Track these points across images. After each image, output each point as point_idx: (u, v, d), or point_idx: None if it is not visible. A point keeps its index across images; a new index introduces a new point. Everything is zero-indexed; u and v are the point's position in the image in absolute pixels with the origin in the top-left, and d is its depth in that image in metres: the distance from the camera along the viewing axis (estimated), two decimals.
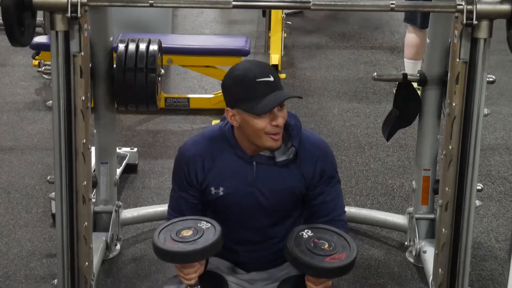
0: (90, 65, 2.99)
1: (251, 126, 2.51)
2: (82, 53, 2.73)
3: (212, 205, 2.68)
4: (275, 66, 5.90)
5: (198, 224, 2.55)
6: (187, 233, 2.52)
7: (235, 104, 2.51)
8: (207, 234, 2.51)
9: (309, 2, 2.67)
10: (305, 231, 2.54)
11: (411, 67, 5.38)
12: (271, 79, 2.48)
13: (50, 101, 2.80)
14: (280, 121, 2.49)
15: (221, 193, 2.64)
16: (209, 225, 2.55)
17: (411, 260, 3.75)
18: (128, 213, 3.93)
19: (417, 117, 3.62)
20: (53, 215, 3.87)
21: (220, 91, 5.72)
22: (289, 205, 2.67)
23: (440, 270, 2.89)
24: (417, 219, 3.67)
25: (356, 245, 2.52)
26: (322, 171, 2.63)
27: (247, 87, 2.48)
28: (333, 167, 2.68)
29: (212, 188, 2.64)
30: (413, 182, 3.73)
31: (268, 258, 2.75)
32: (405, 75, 3.53)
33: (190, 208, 2.67)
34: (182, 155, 2.68)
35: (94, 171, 3.64)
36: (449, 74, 2.77)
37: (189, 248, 2.46)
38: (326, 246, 2.49)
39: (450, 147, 2.76)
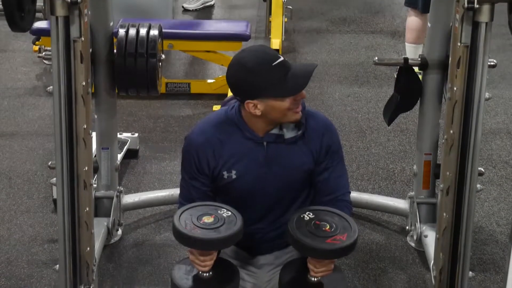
0: (91, 50, 2.98)
1: (277, 109, 2.54)
2: (83, 38, 2.72)
3: (223, 189, 2.69)
4: (276, 50, 5.90)
5: (219, 211, 2.55)
6: (208, 219, 2.51)
7: (256, 94, 2.52)
8: (228, 223, 2.51)
9: None
10: (307, 213, 2.55)
11: (412, 51, 5.37)
12: (282, 58, 2.53)
13: (51, 87, 2.79)
14: (304, 93, 2.55)
15: (234, 176, 2.64)
16: (230, 213, 2.55)
17: (412, 244, 3.76)
18: (129, 198, 3.93)
19: (418, 101, 3.62)
20: (55, 201, 3.87)
21: (221, 75, 5.74)
22: (298, 183, 2.68)
23: (441, 254, 2.90)
24: (418, 203, 3.67)
25: (357, 226, 2.52)
26: (328, 146, 2.66)
27: (267, 74, 2.49)
28: (338, 142, 2.72)
29: (225, 173, 2.64)
30: (414, 167, 3.73)
31: (275, 239, 2.76)
32: (406, 59, 3.53)
33: (202, 196, 2.66)
34: (191, 144, 2.67)
35: (95, 156, 3.65)
36: (450, 58, 2.77)
37: (212, 236, 2.46)
38: (327, 227, 2.49)
39: (451, 131, 2.76)
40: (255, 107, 2.54)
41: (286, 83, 2.50)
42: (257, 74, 2.50)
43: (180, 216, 2.52)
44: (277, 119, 2.58)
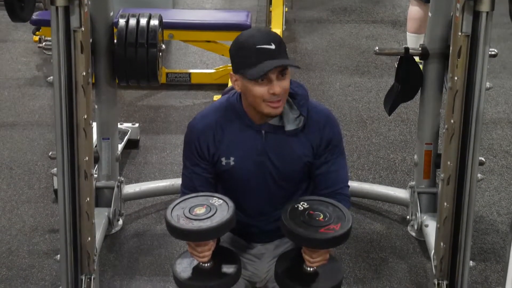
0: (91, 40, 2.98)
1: (249, 92, 2.52)
2: (83, 29, 2.72)
3: (223, 176, 2.69)
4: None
5: (210, 201, 2.54)
6: (200, 210, 2.50)
7: (236, 69, 2.54)
8: (220, 211, 2.49)
9: None
10: (301, 203, 2.55)
11: (413, 41, 5.36)
12: (272, 47, 2.48)
13: (51, 77, 2.79)
14: (277, 89, 2.49)
15: (232, 163, 2.64)
16: (221, 201, 2.54)
17: (413, 234, 3.77)
18: (130, 189, 3.94)
19: (419, 91, 3.61)
20: (55, 191, 3.88)
21: (221, 65, 5.74)
22: (297, 175, 2.68)
23: (441, 243, 2.90)
24: (419, 193, 3.67)
25: (351, 216, 2.51)
26: (329, 139, 2.64)
27: (247, 53, 2.49)
28: (339, 136, 2.70)
29: (223, 159, 2.64)
30: (415, 156, 3.73)
31: (275, 230, 2.76)
32: (407, 49, 3.52)
33: (203, 183, 2.66)
34: (192, 130, 2.68)
35: (96, 146, 3.65)
36: (451, 48, 2.76)
37: (204, 226, 2.44)
38: (321, 217, 2.49)
39: (452, 121, 2.76)
40: (236, 82, 2.55)
41: (255, 68, 2.47)
42: (240, 50, 2.52)
43: (172, 210, 2.52)
44: (254, 104, 2.56)
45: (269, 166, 2.64)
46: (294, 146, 2.63)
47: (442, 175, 2.86)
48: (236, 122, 2.63)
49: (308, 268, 2.53)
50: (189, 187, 2.67)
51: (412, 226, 3.75)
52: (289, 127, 2.61)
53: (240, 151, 2.63)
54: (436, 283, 2.95)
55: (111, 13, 3.53)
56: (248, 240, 2.81)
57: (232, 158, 2.64)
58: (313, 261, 2.51)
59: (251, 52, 2.48)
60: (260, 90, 2.50)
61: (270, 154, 2.63)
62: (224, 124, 2.64)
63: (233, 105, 2.64)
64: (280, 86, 2.49)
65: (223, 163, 2.65)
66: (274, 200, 2.70)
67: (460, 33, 2.67)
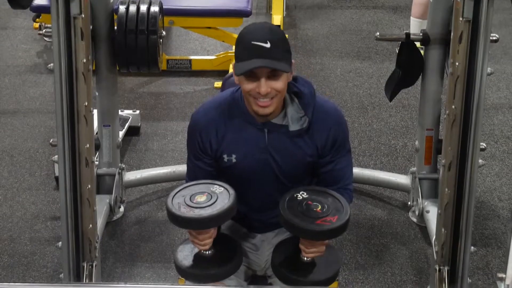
0: (91, 27, 2.97)
1: (241, 86, 2.53)
2: (83, 15, 2.71)
3: (225, 172, 2.68)
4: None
5: (211, 189, 2.53)
6: (201, 198, 2.49)
7: (235, 61, 2.53)
8: (221, 199, 2.48)
9: None
10: (300, 193, 2.53)
11: (417, 26, 5.32)
12: (267, 45, 2.44)
13: (52, 64, 2.79)
14: (262, 89, 2.45)
15: (233, 160, 2.62)
16: (222, 189, 2.53)
17: (414, 220, 3.77)
18: (131, 175, 3.94)
19: (420, 77, 3.61)
20: (57, 178, 3.87)
21: (222, 52, 5.70)
22: (301, 173, 2.66)
23: (443, 229, 2.90)
24: (420, 179, 3.67)
25: (350, 208, 2.50)
26: (334, 140, 2.61)
27: (242, 47, 2.49)
28: (345, 136, 2.66)
29: (225, 156, 2.62)
30: (416, 142, 3.73)
31: (276, 223, 2.75)
32: (408, 34, 3.52)
33: (206, 176, 2.65)
34: (195, 124, 2.65)
35: (96, 133, 3.65)
36: (452, 33, 2.76)
37: (205, 214, 2.43)
38: (319, 208, 2.47)
39: (453, 106, 2.76)
40: (234, 73, 2.54)
41: (244, 63, 2.45)
42: (238, 43, 2.52)
43: (173, 198, 2.51)
44: (245, 99, 2.54)
45: (272, 164, 2.62)
46: (298, 146, 2.60)
47: (443, 161, 2.86)
48: (239, 119, 2.60)
49: (305, 258, 2.53)
50: (193, 179, 2.65)
51: (413, 212, 3.76)
52: (293, 127, 2.57)
53: (241, 149, 2.61)
54: (437, 268, 2.96)
55: (111, 0, 3.52)
56: (249, 229, 2.80)
57: (234, 156, 2.62)
58: (308, 252, 2.51)
59: (245, 47, 2.47)
60: (248, 86, 2.48)
61: (273, 153, 2.61)
62: (227, 120, 2.61)
63: (237, 101, 2.61)
64: (269, 86, 2.45)
65: (225, 159, 2.63)
66: (276, 195, 2.68)
67: (461, 18, 2.66)
